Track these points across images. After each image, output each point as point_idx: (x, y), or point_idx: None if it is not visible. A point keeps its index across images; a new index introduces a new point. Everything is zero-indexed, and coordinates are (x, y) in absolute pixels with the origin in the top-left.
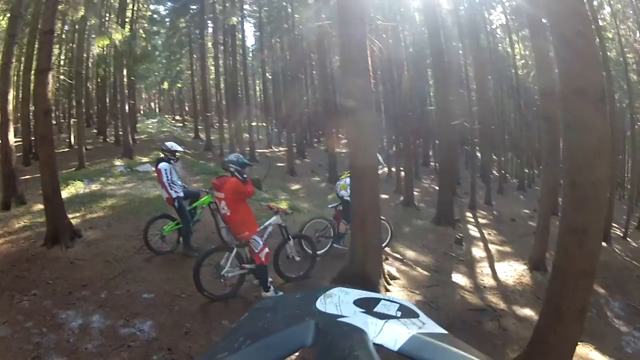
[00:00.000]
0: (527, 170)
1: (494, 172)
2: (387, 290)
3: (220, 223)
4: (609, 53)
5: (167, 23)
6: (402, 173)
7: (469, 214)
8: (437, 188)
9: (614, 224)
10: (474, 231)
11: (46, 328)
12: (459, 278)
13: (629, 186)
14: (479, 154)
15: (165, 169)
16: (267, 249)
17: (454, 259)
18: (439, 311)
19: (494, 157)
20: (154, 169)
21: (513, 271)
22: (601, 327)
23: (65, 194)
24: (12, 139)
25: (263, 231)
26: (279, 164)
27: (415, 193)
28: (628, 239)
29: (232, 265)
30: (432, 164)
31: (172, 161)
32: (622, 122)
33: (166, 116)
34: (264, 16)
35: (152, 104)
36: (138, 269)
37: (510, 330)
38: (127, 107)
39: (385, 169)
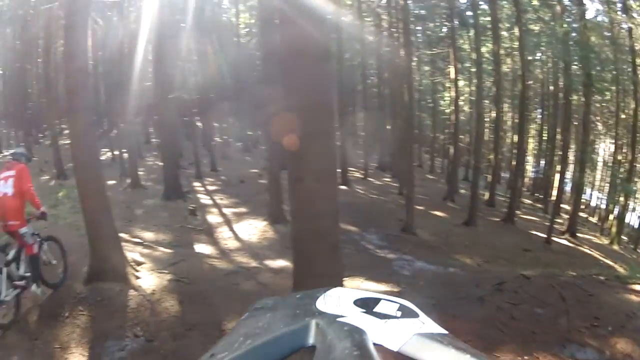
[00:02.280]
0: (250, 133)
1: (217, 139)
2: (137, 277)
3: None
4: (344, 18)
5: None
6: (125, 154)
7: (197, 184)
8: (161, 164)
9: (352, 168)
10: (205, 199)
11: None
12: (202, 248)
13: (363, 133)
14: (199, 124)
15: None
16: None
17: (192, 231)
18: (193, 285)
19: (215, 124)
20: None
21: (254, 229)
22: (365, 259)
23: None
24: None
25: None
26: None
27: (140, 173)
28: (369, 179)
29: (7, 288)
30: (153, 140)
31: None
32: (354, 78)
33: None
34: (4, 4)
35: None
36: None
37: (270, 283)
38: None
39: None
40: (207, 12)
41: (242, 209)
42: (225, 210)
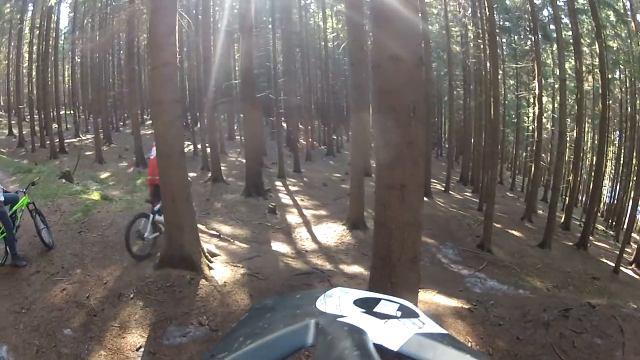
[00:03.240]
0: (335, 137)
1: (302, 140)
2: (211, 268)
3: (40, 225)
4: (431, 27)
5: None
6: (208, 149)
7: (278, 183)
8: (244, 161)
9: (434, 180)
10: (286, 199)
11: None
12: (278, 246)
13: (447, 145)
14: (284, 124)
15: None
16: None
17: (270, 229)
18: (266, 281)
19: (301, 126)
20: None
21: (333, 232)
22: (439, 273)
23: None
24: None
25: None
26: (87, 153)
27: (222, 168)
28: (450, 192)
29: (150, 230)
30: (237, 137)
31: None
32: (440, 88)
33: None
34: None
35: None
36: None
37: (344, 287)
38: None
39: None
40: (294, 15)
41: (322, 212)
42: (305, 212)
